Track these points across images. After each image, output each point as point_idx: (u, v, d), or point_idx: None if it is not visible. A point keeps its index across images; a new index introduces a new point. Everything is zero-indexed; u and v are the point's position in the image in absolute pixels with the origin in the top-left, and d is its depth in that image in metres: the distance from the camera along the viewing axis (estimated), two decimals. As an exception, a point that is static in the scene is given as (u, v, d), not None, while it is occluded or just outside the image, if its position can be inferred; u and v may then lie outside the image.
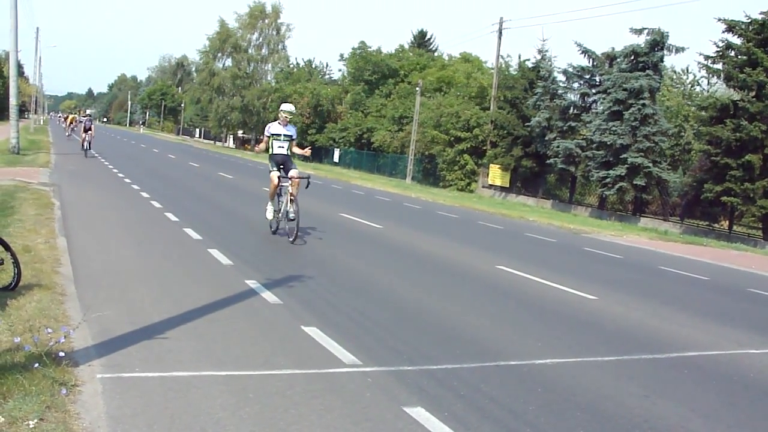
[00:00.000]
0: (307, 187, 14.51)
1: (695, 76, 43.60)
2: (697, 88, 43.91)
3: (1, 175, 21.34)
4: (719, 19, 33.81)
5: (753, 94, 32.48)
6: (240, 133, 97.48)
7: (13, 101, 32.48)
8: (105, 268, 10.04)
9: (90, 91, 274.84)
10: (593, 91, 41.81)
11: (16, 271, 7.90)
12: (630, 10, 67.05)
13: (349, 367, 6.60)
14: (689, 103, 41.55)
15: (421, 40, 79.48)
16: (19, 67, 35.19)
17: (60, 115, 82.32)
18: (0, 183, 18.65)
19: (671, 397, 6.81)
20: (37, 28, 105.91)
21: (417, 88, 54.91)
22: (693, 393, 7.09)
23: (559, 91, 43.43)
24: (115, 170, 28.04)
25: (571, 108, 42.71)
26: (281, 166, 14.48)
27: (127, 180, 24.41)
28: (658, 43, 37.60)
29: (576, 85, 43.29)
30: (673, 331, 10.02)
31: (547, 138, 41.95)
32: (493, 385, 6.53)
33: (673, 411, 6.42)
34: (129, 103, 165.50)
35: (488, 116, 47.78)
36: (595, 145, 38.43)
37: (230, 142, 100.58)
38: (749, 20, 33.16)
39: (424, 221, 23.57)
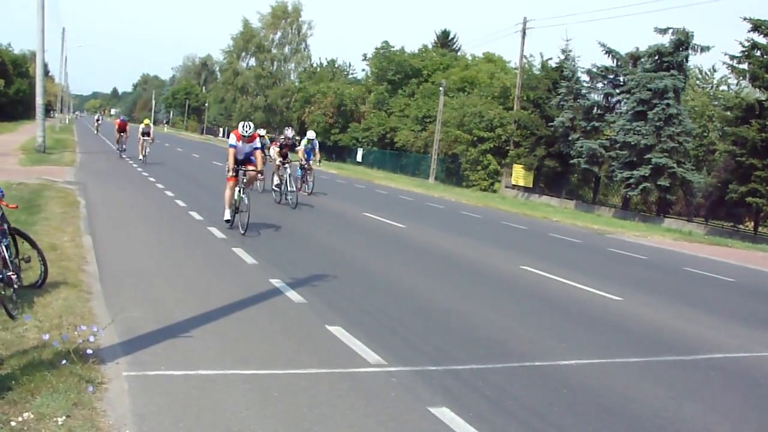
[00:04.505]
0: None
1: (724, 76, 43.12)
2: (723, 88, 43.46)
3: (28, 173, 21.54)
4: (745, 19, 33.49)
5: (779, 94, 32.18)
6: (263, 132, 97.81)
7: (39, 100, 32.75)
8: (130, 266, 10.11)
9: (115, 91, 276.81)
10: (617, 91, 41.53)
11: (42, 269, 7.97)
12: (654, 10, 66.56)
13: (374, 366, 6.60)
14: (715, 103, 41.17)
15: (445, 40, 79.24)
16: (45, 67, 35.32)
17: (97, 116, 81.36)
18: (27, 181, 18.81)
19: (698, 400, 6.75)
20: (64, 29, 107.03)
21: (440, 88, 54.80)
22: (720, 396, 7.02)
23: (583, 91, 43.14)
24: (139, 169, 28.20)
25: (595, 108, 42.45)
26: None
27: (152, 179, 24.55)
28: (683, 42, 37.27)
29: (600, 85, 43.02)
30: (698, 332, 9.94)
31: (570, 138, 41.72)
32: (518, 386, 6.50)
33: (699, 414, 6.37)
34: (153, 102, 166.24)
35: (511, 116, 47.55)
36: (618, 145, 38.17)
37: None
38: (775, 20, 32.83)
39: (447, 221, 23.52)
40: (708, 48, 37.89)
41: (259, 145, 14.88)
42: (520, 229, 23.96)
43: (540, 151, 44.48)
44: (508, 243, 19.29)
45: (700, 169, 38.65)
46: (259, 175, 14.89)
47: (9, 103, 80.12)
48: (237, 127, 14.64)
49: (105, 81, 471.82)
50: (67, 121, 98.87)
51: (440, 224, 21.95)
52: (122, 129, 35.14)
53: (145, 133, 32.72)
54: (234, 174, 14.14)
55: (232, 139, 14.31)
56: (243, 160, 14.58)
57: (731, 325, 10.81)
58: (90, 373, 5.47)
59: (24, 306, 7.08)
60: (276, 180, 21.87)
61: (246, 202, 14.04)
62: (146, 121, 34.90)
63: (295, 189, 20.92)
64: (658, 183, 36.08)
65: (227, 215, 14.42)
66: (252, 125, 14.58)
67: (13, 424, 4.58)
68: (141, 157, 32.33)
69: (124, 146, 34.84)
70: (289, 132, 23.14)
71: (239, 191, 14.19)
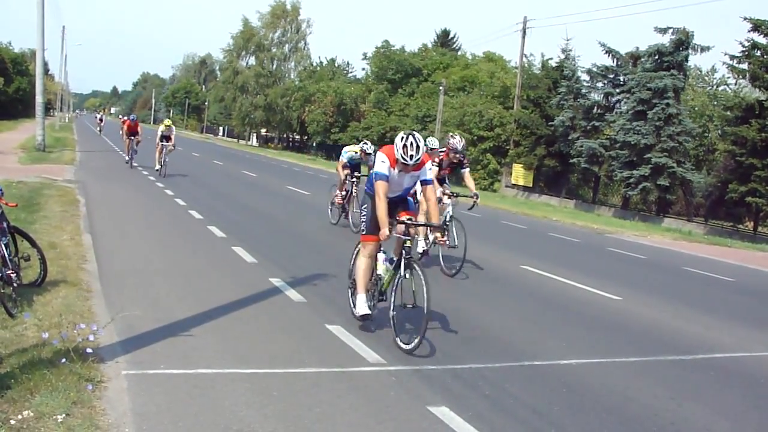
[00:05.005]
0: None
1: (724, 76, 43.10)
2: (723, 88, 43.44)
3: (28, 172, 21.52)
4: (745, 18, 33.47)
5: (779, 94, 32.15)
6: (263, 131, 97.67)
7: (39, 99, 32.69)
8: (129, 265, 10.10)
9: (115, 89, 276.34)
10: (617, 90, 41.55)
11: (42, 268, 7.97)
12: (655, 10, 66.61)
13: (374, 365, 6.60)
14: (715, 103, 41.18)
15: (445, 40, 79.24)
16: (45, 65, 35.21)
17: (99, 115, 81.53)
18: (26, 180, 18.80)
19: (697, 399, 6.75)
20: (63, 27, 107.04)
21: (440, 88, 54.81)
22: (719, 395, 7.02)
23: (583, 91, 43.16)
24: (140, 168, 28.15)
25: (595, 107, 42.48)
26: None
27: (151, 177, 24.53)
28: (683, 42, 37.27)
29: (600, 84, 43.04)
30: (698, 332, 9.94)
31: (570, 137, 41.74)
32: (518, 385, 6.50)
33: (699, 413, 6.36)
34: (153, 101, 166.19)
35: (511, 115, 47.57)
36: (618, 144, 38.18)
37: (253, 141, 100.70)
38: (775, 20, 32.79)
39: (446, 220, 23.44)
40: (708, 48, 37.88)
41: (430, 177, 7.75)
42: (519, 228, 23.96)
43: (540, 150, 44.50)
44: (508, 242, 19.29)
45: (700, 169, 38.66)
46: (438, 236, 8.13)
47: (9, 102, 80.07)
48: (393, 144, 7.50)
49: (105, 79, 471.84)
50: (66, 120, 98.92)
51: (440, 223, 21.86)
52: (133, 132, 28.39)
53: (165, 137, 26.08)
54: (387, 231, 7.24)
55: (381, 164, 7.53)
56: (394, 202, 7.85)
57: (731, 325, 10.80)
58: (89, 372, 5.47)
59: (23, 304, 7.09)
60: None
61: (414, 286, 7.14)
62: (167, 121, 27.57)
63: (460, 240, 12.54)
64: (658, 183, 36.08)
65: (362, 306, 7.63)
66: (422, 142, 7.40)
67: (12, 422, 4.58)
68: (158, 166, 26.10)
69: (134, 154, 28.36)
70: (458, 142, 13.30)
71: (388, 263, 7.81)
